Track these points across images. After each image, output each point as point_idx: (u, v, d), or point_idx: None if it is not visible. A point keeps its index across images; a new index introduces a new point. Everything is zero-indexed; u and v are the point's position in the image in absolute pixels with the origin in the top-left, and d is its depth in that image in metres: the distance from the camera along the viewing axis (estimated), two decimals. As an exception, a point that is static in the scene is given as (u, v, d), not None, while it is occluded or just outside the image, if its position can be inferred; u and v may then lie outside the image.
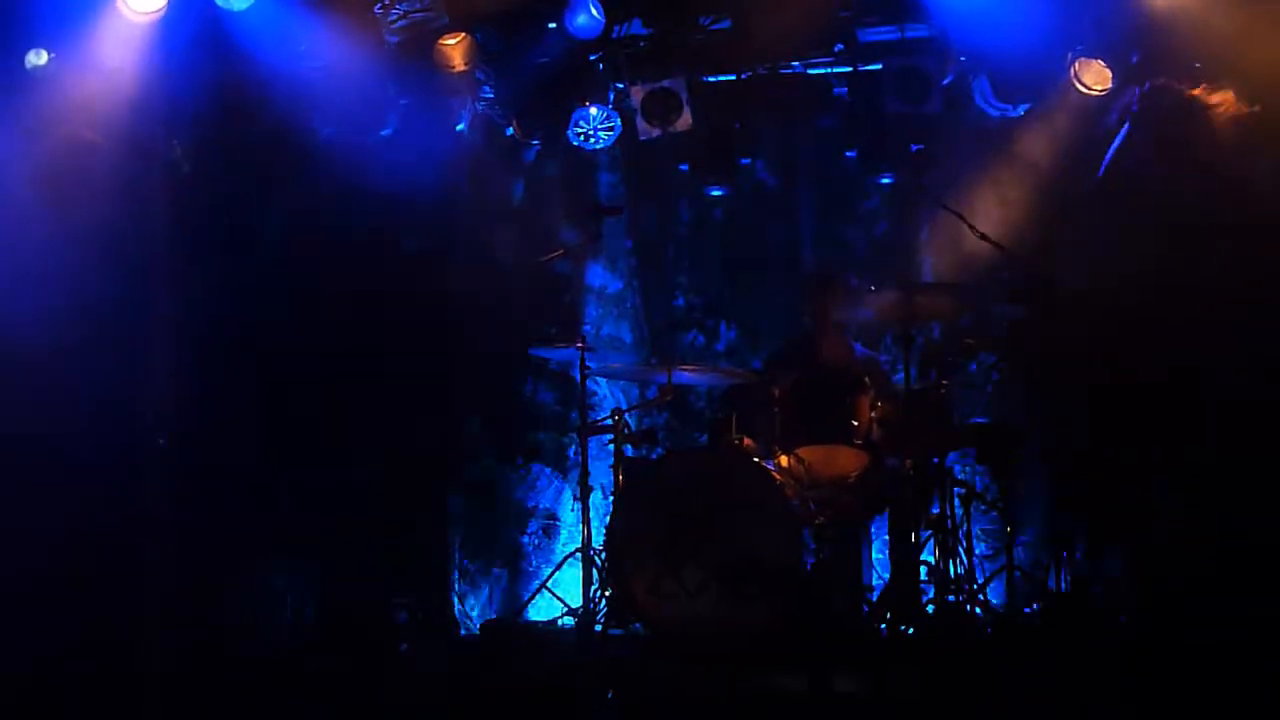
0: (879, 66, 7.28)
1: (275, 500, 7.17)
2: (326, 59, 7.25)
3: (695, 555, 6.10)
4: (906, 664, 5.58)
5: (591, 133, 7.54)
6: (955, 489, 6.30)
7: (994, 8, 6.80)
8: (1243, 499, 5.68)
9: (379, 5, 6.98)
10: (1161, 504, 5.21)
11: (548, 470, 8.15)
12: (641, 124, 7.42)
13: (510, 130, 7.71)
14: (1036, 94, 7.08)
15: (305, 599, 6.64)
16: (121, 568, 5.63)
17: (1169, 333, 5.12)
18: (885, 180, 7.64)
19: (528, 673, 5.68)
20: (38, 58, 6.46)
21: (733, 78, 7.50)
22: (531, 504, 8.17)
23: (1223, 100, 5.53)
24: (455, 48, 7.25)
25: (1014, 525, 6.43)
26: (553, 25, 7.19)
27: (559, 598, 6.92)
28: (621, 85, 7.52)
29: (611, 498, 6.61)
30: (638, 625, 6.16)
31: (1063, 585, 6.01)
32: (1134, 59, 6.86)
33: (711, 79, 7.49)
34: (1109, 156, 5.45)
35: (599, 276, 8.19)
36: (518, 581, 8.06)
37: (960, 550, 6.21)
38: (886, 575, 6.65)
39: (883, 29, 7.29)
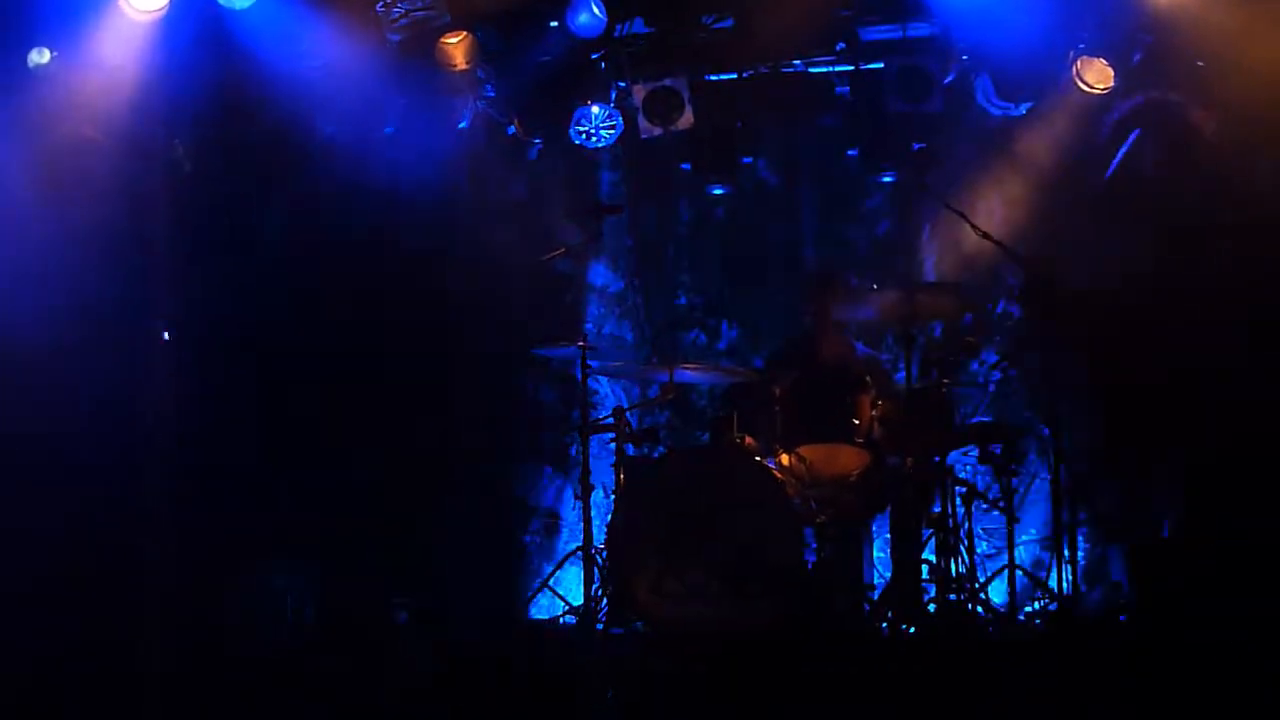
0: (881, 65, 7.28)
1: (275, 500, 7.17)
2: (328, 58, 7.26)
3: (696, 554, 6.10)
4: (908, 663, 5.57)
5: (593, 131, 7.54)
6: (956, 488, 6.29)
7: (996, 6, 6.80)
8: (1244, 498, 5.68)
9: (380, 4, 6.98)
10: (1163, 503, 5.20)
11: (549, 469, 8.15)
12: (643, 123, 7.42)
13: (512, 129, 7.71)
14: (1038, 93, 7.07)
15: (305, 599, 6.64)
16: (120, 567, 5.64)
17: (1171, 332, 5.12)
18: (887, 179, 7.63)
19: (529, 672, 5.68)
20: (40, 56, 6.47)
21: (734, 77, 7.50)
22: (533, 503, 8.17)
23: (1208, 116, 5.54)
24: (457, 46, 7.25)
25: (1015, 524, 6.42)
26: (554, 24, 7.19)
27: (560, 596, 6.93)
28: (623, 84, 7.51)
29: (613, 496, 6.60)
30: (639, 624, 6.16)
31: (1064, 584, 6.00)
32: (1136, 58, 6.87)
33: (713, 78, 7.49)
34: (1114, 164, 5.45)
35: (600, 275, 8.19)
36: (519, 580, 8.05)
37: (961, 549, 6.20)
38: (888, 574, 6.64)
39: (884, 28, 7.28)
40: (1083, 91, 6.90)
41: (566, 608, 6.80)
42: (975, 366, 7.47)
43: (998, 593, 6.47)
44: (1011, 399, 7.47)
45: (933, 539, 6.22)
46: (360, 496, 6.64)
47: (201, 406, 6.38)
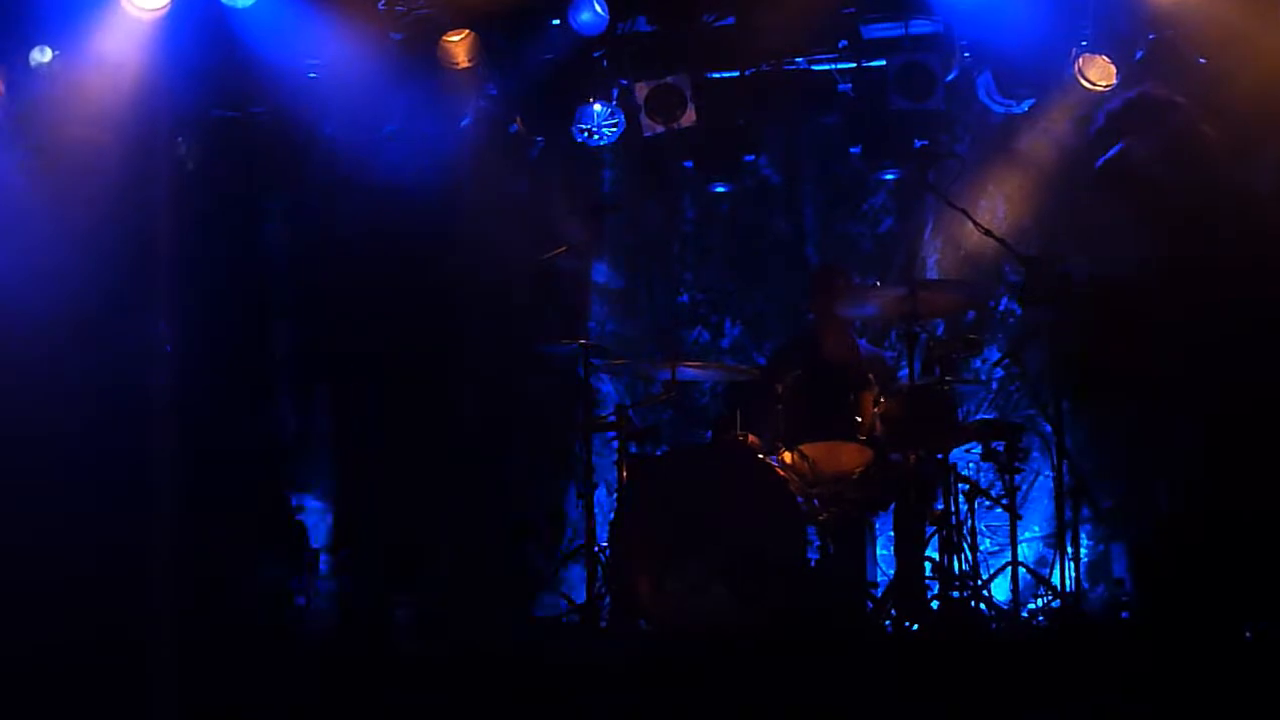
0: (883, 63, 7.27)
1: (276, 496, 7.19)
2: (330, 56, 7.27)
3: (699, 552, 6.09)
4: (911, 660, 5.56)
5: (596, 129, 7.54)
6: (959, 485, 6.29)
7: (998, 3, 6.80)
8: (1244, 493, 5.68)
9: (382, 2, 6.99)
10: (1163, 499, 5.19)
11: (552, 467, 8.15)
12: (645, 120, 7.42)
13: (514, 127, 7.72)
14: (1041, 90, 7.07)
15: (307, 596, 6.64)
16: (118, 567, 5.64)
17: (1172, 326, 5.11)
18: (889, 177, 7.63)
19: (531, 669, 5.67)
20: (42, 55, 6.47)
21: (737, 74, 7.50)
22: (535, 501, 8.17)
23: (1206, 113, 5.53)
24: (459, 44, 7.26)
25: (1018, 521, 6.43)
26: (556, 22, 7.19)
27: (564, 595, 6.93)
28: (625, 82, 7.51)
29: (615, 495, 6.60)
30: (642, 622, 6.16)
31: (1067, 582, 6.00)
32: (1138, 55, 6.87)
33: (716, 75, 7.49)
34: (1104, 158, 5.45)
35: (603, 273, 8.20)
36: (522, 578, 8.05)
37: (964, 546, 6.20)
38: (891, 571, 6.64)
39: (886, 25, 7.28)
40: (1085, 89, 6.90)
41: (569, 606, 6.80)
42: (978, 364, 7.48)
43: (1001, 590, 6.47)
44: (1014, 396, 7.48)
45: (935, 536, 6.22)
46: (361, 494, 6.64)
47: (203, 405, 6.38)
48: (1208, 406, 5.34)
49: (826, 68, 7.51)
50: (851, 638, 6.02)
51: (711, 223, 8.14)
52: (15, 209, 5.85)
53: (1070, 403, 6.02)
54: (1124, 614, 6.24)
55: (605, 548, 6.51)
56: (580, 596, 6.79)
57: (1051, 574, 6.32)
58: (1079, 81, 6.90)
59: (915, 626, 6.10)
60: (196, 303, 6.68)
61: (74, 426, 5.65)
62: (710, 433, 6.91)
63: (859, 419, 6.44)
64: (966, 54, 7.22)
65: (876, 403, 6.48)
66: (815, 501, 6.29)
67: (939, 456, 6.27)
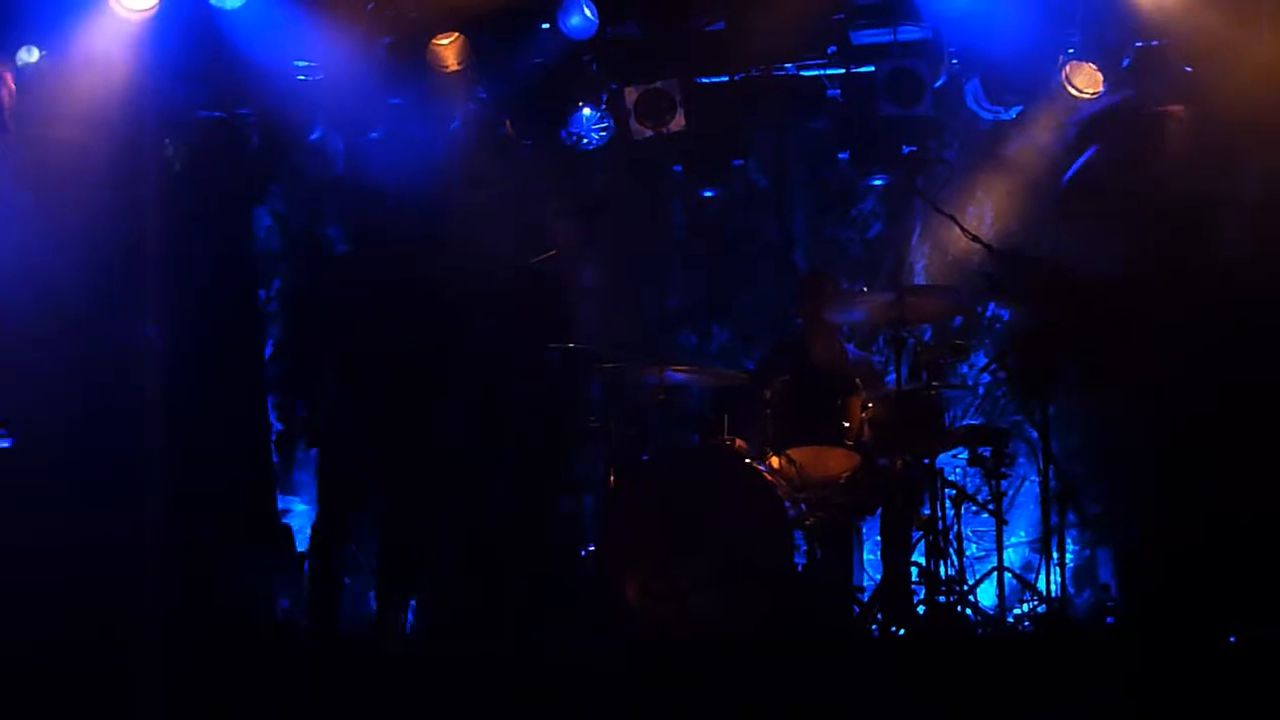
0: (872, 69, 7.29)
1: (267, 497, 7.17)
2: (319, 58, 7.26)
3: (686, 555, 6.10)
4: (897, 665, 5.57)
5: (585, 133, 7.54)
6: (946, 490, 6.31)
7: (986, 11, 6.83)
8: (1230, 499, 5.72)
9: (371, 4, 6.99)
10: (1147, 504, 5.22)
11: (538, 470, 8.12)
12: (635, 125, 7.43)
13: (503, 130, 7.71)
14: (1028, 96, 7.10)
15: (291, 600, 6.63)
16: (104, 566, 5.62)
17: (1154, 330, 5.14)
18: (878, 182, 7.65)
19: (520, 672, 5.67)
20: (29, 55, 6.45)
21: (726, 79, 7.51)
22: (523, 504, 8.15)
23: (1177, 115, 5.56)
24: (449, 48, 7.26)
25: (1004, 526, 6.44)
26: (546, 26, 7.19)
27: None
28: (615, 86, 7.52)
29: (603, 499, 6.60)
30: (628, 626, 6.15)
31: (1053, 587, 6.01)
32: (1125, 63, 6.90)
33: (705, 80, 7.50)
34: (1072, 170, 5.49)
35: (591, 277, 8.18)
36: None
37: (951, 551, 6.22)
38: (877, 576, 6.65)
39: (875, 31, 7.30)
40: (1072, 96, 6.93)
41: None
42: (965, 369, 7.51)
43: (987, 595, 6.49)
44: (1000, 401, 7.50)
45: (922, 541, 6.23)
46: (349, 496, 6.60)
47: (190, 406, 6.36)
48: (1185, 408, 5.38)
49: (815, 73, 7.53)
50: (838, 642, 6.02)
51: (700, 227, 8.15)
52: (3, 208, 5.82)
53: (1056, 407, 6.04)
54: (1109, 619, 6.26)
55: (592, 552, 6.52)
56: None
57: (1037, 579, 6.33)
58: (1066, 89, 6.94)
59: (901, 631, 6.11)
60: (183, 304, 6.65)
61: (61, 426, 5.63)
62: (698, 437, 6.91)
63: (846, 424, 6.45)
64: (955, 61, 7.24)
65: (864, 408, 6.49)
66: (802, 506, 6.29)
67: (926, 461, 6.29)
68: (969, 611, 6.13)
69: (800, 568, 6.16)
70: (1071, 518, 6.00)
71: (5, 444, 4.72)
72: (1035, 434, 6.24)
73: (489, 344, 8.08)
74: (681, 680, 5.30)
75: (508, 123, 7.62)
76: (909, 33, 7.20)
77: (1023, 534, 7.49)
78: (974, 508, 6.53)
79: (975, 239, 6.34)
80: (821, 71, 7.51)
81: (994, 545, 6.43)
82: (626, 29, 7.34)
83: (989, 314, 7.71)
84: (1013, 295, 5.91)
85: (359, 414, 6.25)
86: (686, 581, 6.06)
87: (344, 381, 6.29)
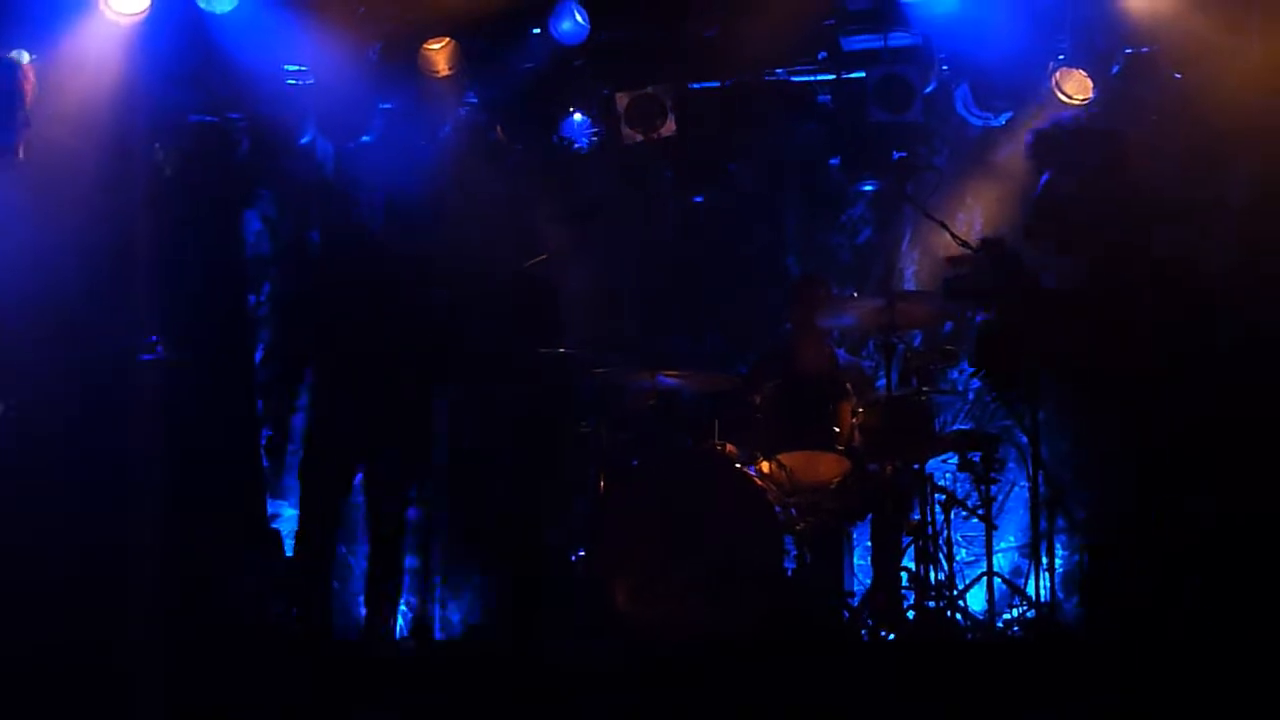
0: (862, 75, 7.31)
1: (258, 501, 7.16)
2: (310, 63, 7.25)
3: (676, 560, 6.10)
4: (887, 669, 5.58)
5: (576, 138, 7.55)
6: (936, 495, 6.32)
7: (976, 17, 6.85)
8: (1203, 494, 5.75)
9: (363, 9, 6.99)
10: (1129, 507, 5.23)
11: (530, 473, 8.12)
12: (625, 130, 7.43)
13: (494, 135, 7.72)
14: (1018, 103, 7.12)
15: (287, 601, 6.60)
16: (101, 568, 5.61)
17: (1135, 333, 5.16)
18: (868, 188, 7.66)
19: (510, 676, 5.67)
20: (19, 58, 6.42)
21: (717, 85, 7.52)
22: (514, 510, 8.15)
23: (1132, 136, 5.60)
24: (440, 52, 7.26)
25: (994, 532, 6.45)
26: (537, 31, 7.19)
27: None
28: (606, 91, 7.53)
29: (593, 503, 6.60)
30: (619, 631, 6.15)
31: (1042, 592, 6.02)
32: (1114, 69, 6.92)
33: (696, 86, 7.51)
34: (1035, 195, 5.53)
35: (582, 281, 8.18)
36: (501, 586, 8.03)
37: (941, 557, 6.23)
38: (867, 581, 6.66)
39: (866, 37, 7.32)
40: (1062, 102, 6.95)
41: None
42: (955, 375, 7.52)
43: (976, 600, 6.50)
44: (990, 407, 7.51)
45: (912, 546, 6.24)
46: (333, 498, 6.58)
47: (183, 408, 6.35)
48: (1168, 413, 5.40)
49: (806, 79, 7.54)
50: (829, 647, 6.03)
51: (691, 232, 8.15)
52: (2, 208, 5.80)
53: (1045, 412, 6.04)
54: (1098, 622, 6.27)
55: (582, 557, 6.51)
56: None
57: (1026, 584, 6.35)
58: (1056, 95, 6.96)
59: (891, 636, 6.12)
60: (174, 308, 6.64)
61: (55, 427, 5.62)
62: (689, 441, 6.92)
63: (836, 429, 6.47)
64: (945, 67, 7.26)
65: (854, 413, 6.51)
66: (793, 511, 6.31)
67: (915, 467, 6.31)
68: (958, 616, 6.15)
69: (790, 572, 6.17)
70: (1061, 523, 6.00)
71: None
72: (1025, 439, 6.25)
73: (480, 347, 8.09)
74: (673, 684, 5.30)
75: (499, 127, 7.62)
76: (899, 39, 7.22)
77: (1012, 539, 7.50)
78: (964, 513, 6.55)
79: (965, 244, 6.34)
80: (812, 77, 7.53)
81: (984, 550, 6.45)
82: (618, 34, 7.34)
83: (979, 319, 7.72)
84: (980, 295, 5.92)
85: (343, 416, 6.24)
86: (677, 586, 6.07)
87: (329, 384, 6.28)
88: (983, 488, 6.36)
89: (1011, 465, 7.07)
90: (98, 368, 5.88)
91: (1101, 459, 5.31)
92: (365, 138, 7.49)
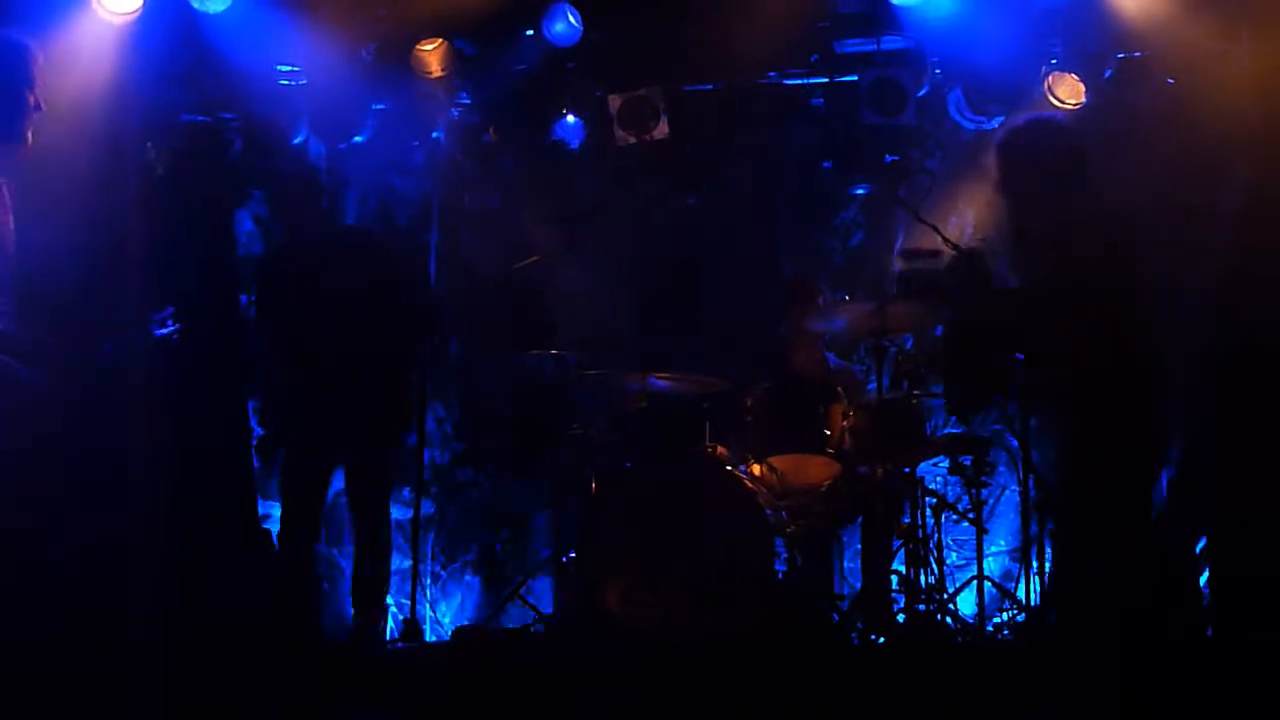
0: (855, 78, 7.31)
1: (249, 501, 7.15)
2: (303, 63, 7.25)
3: (667, 563, 6.10)
4: (876, 672, 5.58)
5: (568, 140, 7.55)
6: (926, 499, 6.32)
7: (969, 21, 6.85)
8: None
9: (356, 9, 6.98)
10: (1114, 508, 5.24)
11: (520, 477, 8.14)
12: (618, 132, 7.43)
13: (487, 137, 7.72)
14: (1011, 106, 7.12)
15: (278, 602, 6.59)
16: (98, 568, 5.60)
17: (1119, 332, 5.17)
18: (860, 191, 7.67)
19: (498, 680, 5.66)
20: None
21: (710, 88, 7.52)
22: (504, 511, 8.16)
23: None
24: (432, 54, 7.26)
25: (984, 535, 6.46)
26: (530, 32, 7.20)
27: (531, 605, 6.91)
28: (599, 93, 7.53)
29: (584, 505, 6.60)
30: (610, 633, 6.15)
31: (1032, 596, 6.03)
32: (1107, 73, 6.93)
33: (689, 88, 7.51)
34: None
35: (574, 283, 8.18)
36: (490, 589, 8.04)
37: (931, 560, 6.23)
38: (858, 584, 6.66)
39: (859, 41, 7.32)
40: (1054, 106, 6.96)
41: (537, 617, 6.79)
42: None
43: (967, 603, 6.50)
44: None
45: (902, 550, 6.24)
46: (314, 496, 6.57)
47: (176, 409, 6.34)
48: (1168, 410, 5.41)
49: (799, 82, 7.55)
50: (819, 650, 6.03)
51: (683, 235, 8.15)
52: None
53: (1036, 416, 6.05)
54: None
55: (574, 558, 6.51)
56: (548, 607, 6.78)
57: (1017, 588, 6.35)
58: (1049, 99, 6.96)
59: (881, 639, 6.12)
60: (165, 305, 6.63)
61: (50, 428, 5.60)
62: (679, 444, 6.91)
63: (827, 432, 6.47)
64: (938, 70, 7.27)
65: (845, 416, 6.51)
66: (783, 514, 6.30)
67: (906, 470, 6.30)
68: (949, 620, 6.14)
69: (781, 575, 6.17)
70: (1051, 526, 6.00)
71: None
72: (1015, 443, 6.26)
73: (467, 350, 8.10)
74: (665, 685, 5.30)
75: (491, 129, 7.62)
76: (892, 42, 7.22)
77: (1003, 543, 7.50)
78: (954, 516, 6.55)
79: (957, 248, 6.35)
80: (805, 80, 7.53)
81: (974, 554, 6.45)
82: (611, 36, 7.34)
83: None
84: (936, 292, 5.95)
85: (322, 415, 6.23)
86: (667, 588, 6.07)
87: (323, 386, 6.27)
88: (973, 491, 6.36)
89: (1002, 469, 7.07)
90: (89, 367, 5.86)
91: (1078, 458, 5.32)
92: (358, 138, 7.50)
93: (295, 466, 6.34)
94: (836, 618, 6.35)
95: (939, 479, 6.78)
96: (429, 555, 7.93)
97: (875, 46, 7.24)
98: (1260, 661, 4.89)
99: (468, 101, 7.67)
